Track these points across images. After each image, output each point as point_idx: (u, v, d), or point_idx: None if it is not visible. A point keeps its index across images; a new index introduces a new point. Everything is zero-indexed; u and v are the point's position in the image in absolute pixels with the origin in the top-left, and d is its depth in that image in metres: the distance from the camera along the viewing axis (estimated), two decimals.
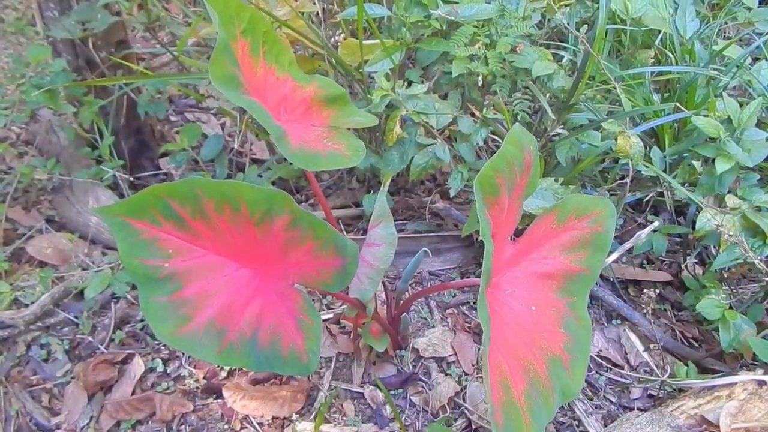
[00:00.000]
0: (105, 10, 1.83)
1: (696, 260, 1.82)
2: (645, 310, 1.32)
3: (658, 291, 1.68)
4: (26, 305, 1.68)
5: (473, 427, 1.52)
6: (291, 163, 2.05)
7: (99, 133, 1.93)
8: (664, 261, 1.91)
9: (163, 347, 1.66)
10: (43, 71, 1.81)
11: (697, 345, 1.72)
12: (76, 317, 1.70)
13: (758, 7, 1.96)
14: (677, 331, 1.74)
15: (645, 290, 1.45)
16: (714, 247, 1.73)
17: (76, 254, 1.83)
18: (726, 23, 2.19)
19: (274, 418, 1.51)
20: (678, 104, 1.50)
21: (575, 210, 1.18)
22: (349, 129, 1.43)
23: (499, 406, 0.96)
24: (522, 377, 1.04)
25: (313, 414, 1.52)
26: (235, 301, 1.13)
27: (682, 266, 1.83)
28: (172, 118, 2.51)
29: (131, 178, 1.96)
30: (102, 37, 1.92)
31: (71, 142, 2.07)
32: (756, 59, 1.91)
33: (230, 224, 1.10)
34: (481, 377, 1.62)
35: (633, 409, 1.53)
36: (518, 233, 1.20)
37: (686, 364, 1.51)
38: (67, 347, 1.65)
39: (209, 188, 1.06)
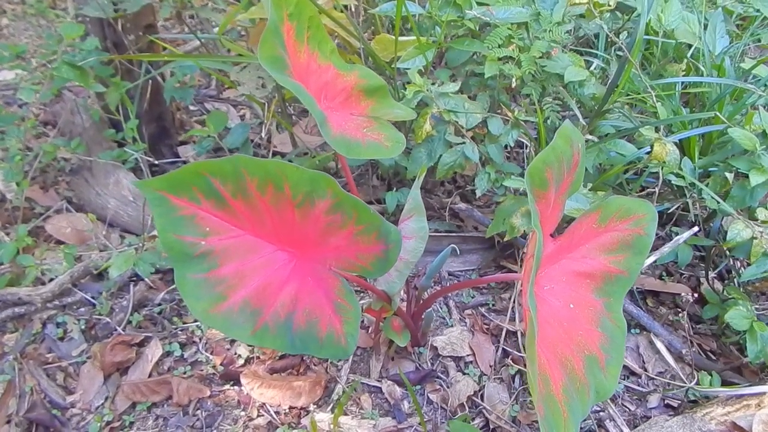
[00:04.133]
0: None
1: (715, 275, 1.82)
2: (680, 314, 1.32)
3: (695, 296, 1.68)
4: (43, 283, 1.67)
5: (491, 427, 1.51)
6: (313, 157, 2.05)
7: (123, 116, 1.92)
8: (683, 274, 1.91)
9: (180, 332, 1.65)
10: (74, 49, 1.80)
11: (714, 358, 1.72)
12: (93, 298, 1.68)
13: None
14: (695, 344, 1.74)
15: (681, 295, 1.44)
16: (738, 260, 1.73)
17: (96, 235, 1.81)
18: (749, 45, 2.20)
19: (291, 407, 1.50)
20: (718, 114, 1.50)
21: (618, 211, 1.18)
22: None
23: (540, 398, 0.96)
24: (560, 372, 1.03)
25: (331, 405, 1.51)
26: (271, 283, 1.12)
27: (702, 280, 1.83)
28: (192, 108, 2.51)
29: (155, 161, 1.96)
30: (131, 19, 1.92)
31: (93, 124, 2.06)
32: None
33: (270, 205, 1.09)
34: (500, 378, 1.61)
35: (651, 418, 1.53)
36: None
37: (710, 374, 1.51)
38: (83, 327, 1.63)
39: (254, 166, 1.05)
